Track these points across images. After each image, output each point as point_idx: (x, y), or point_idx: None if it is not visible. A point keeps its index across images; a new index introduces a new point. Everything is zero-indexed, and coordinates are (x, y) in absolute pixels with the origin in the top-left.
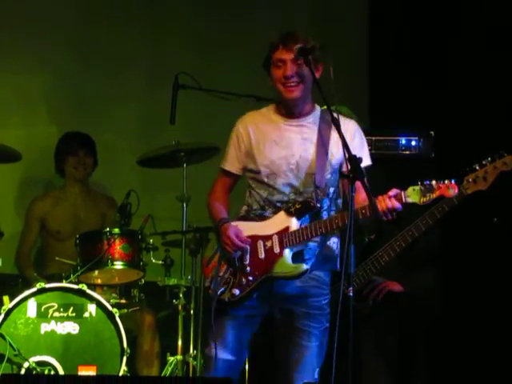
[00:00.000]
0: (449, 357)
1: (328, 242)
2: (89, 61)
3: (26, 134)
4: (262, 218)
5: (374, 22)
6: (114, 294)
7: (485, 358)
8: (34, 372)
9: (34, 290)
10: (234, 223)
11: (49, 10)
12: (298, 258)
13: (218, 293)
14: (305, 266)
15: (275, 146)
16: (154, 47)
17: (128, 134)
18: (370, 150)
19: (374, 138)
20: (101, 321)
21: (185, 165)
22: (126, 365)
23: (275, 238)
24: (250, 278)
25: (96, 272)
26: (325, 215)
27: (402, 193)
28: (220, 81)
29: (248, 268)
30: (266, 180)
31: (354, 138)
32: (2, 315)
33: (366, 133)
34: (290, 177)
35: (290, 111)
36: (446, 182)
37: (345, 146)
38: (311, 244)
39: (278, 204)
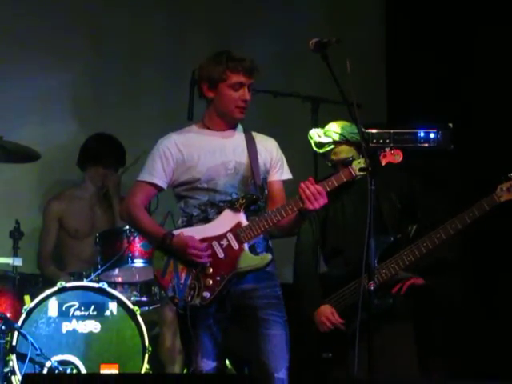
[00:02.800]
0: (465, 348)
1: (268, 243)
2: (108, 59)
3: (44, 133)
4: (206, 220)
5: (390, 13)
6: (134, 292)
7: (501, 350)
8: (57, 371)
9: (54, 289)
10: (177, 231)
11: (69, 10)
12: (253, 252)
13: (188, 299)
14: (270, 256)
15: (210, 155)
16: (174, 43)
17: (146, 131)
18: (388, 143)
19: (392, 131)
20: (122, 319)
21: None
22: (149, 362)
23: (230, 236)
24: (218, 278)
25: (116, 270)
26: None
27: (350, 168)
28: None
29: (211, 269)
30: (206, 186)
31: (276, 152)
32: (24, 315)
33: (384, 126)
34: (230, 179)
35: (224, 126)
36: (388, 149)
37: (364, 140)
38: (259, 242)
39: (221, 204)
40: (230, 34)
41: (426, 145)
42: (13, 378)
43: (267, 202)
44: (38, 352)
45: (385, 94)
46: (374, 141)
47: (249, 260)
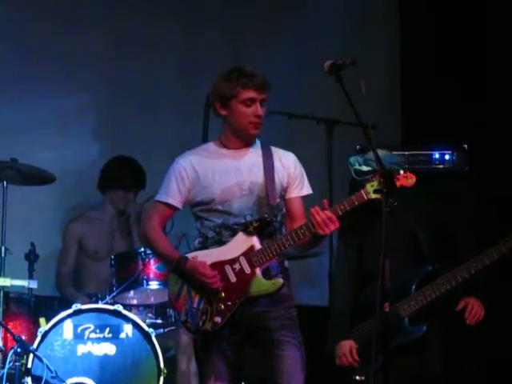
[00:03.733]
0: None
1: (284, 263)
2: (119, 83)
3: (60, 155)
4: (220, 243)
5: (405, 35)
6: (149, 314)
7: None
8: None
9: (70, 311)
10: (191, 254)
11: (89, 31)
12: (267, 275)
13: (200, 324)
14: (281, 280)
15: (225, 176)
16: (185, 65)
17: (162, 154)
18: (403, 164)
19: (407, 153)
20: (137, 341)
21: None
22: None
23: (242, 260)
24: (229, 303)
25: (131, 292)
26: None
27: (362, 191)
28: None
29: (222, 294)
30: (220, 207)
31: (295, 168)
32: (39, 337)
33: (399, 148)
34: (245, 200)
35: (241, 144)
36: (402, 172)
37: (377, 158)
38: (274, 264)
39: (235, 227)
40: (245, 55)
41: (441, 166)
42: None
43: (286, 219)
44: (54, 375)
45: (399, 115)
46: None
47: (260, 285)
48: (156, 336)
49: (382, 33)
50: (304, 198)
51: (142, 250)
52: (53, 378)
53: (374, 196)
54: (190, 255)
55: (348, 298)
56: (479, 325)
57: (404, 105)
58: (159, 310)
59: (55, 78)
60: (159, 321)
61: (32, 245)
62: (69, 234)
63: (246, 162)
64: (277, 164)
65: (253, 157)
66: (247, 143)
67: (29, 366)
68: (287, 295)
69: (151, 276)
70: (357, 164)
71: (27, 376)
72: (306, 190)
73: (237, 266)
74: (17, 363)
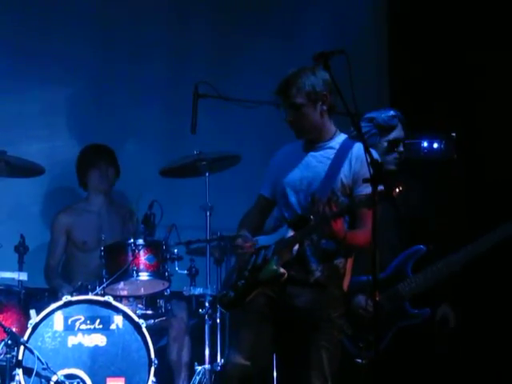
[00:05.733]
0: None
1: (335, 261)
2: (110, 75)
3: (49, 147)
4: (275, 232)
5: (393, 22)
6: (140, 305)
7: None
8: None
9: (60, 303)
10: (255, 238)
11: (74, 25)
12: (303, 268)
13: (221, 295)
14: (281, 270)
15: (294, 170)
16: (174, 57)
17: (150, 145)
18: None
19: None
20: (128, 332)
21: (207, 174)
22: (155, 375)
23: (272, 247)
24: (243, 282)
25: (122, 283)
26: None
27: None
28: (240, 89)
29: (246, 272)
30: (282, 200)
31: (361, 167)
32: (30, 329)
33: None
34: (299, 196)
35: (311, 142)
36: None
37: (366, 148)
38: (312, 258)
39: (287, 220)
40: (233, 46)
41: (430, 155)
42: None
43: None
44: (45, 366)
45: (388, 104)
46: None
47: (266, 272)
48: (146, 327)
49: (371, 21)
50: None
51: (132, 241)
52: (44, 369)
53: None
54: (255, 238)
55: None
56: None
57: (392, 93)
58: (149, 300)
59: (42, 71)
60: (149, 311)
61: (21, 237)
62: (57, 225)
63: (317, 158)
64: (346, 162)
65: (327, 154)
66: (316, 140)
67: (20, 357)
68: (330, 294)
69: (141, 267)
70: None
71: (18, 368)
72: (366, 189)
73: (267, 252)
74: (7, 355)
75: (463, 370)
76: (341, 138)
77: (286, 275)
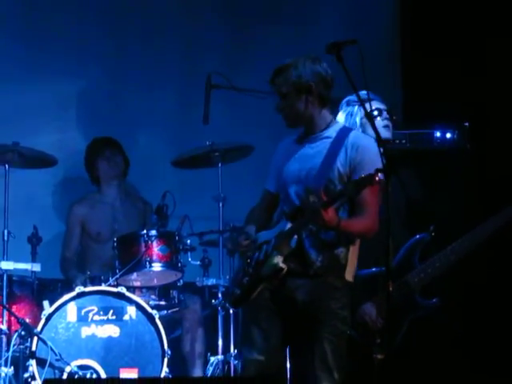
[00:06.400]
0: None
1: (335, 251)
2: (120, 66)
3: (61, 138)
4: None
5: (405, 12)
6: (153, 296)
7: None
8: (76, 376)
9: (73, 294)
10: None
11: (80, 21)
12: (302, 261)
13: (228, 292)
14: (280, 264)
15: (293, 162)
16: (186, 48)
17: (162, 136)
18: (404, 143)
19: (408, 132)
20: (141, 323)
21: (220, 164)
22: (168, 366)
23: (272, 241)
24: (247, 279)
25: (135, 274)
26: None
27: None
28: (253, 79)
29: (250, 269)
30: (283, 193)
31: (356, 154)
32: (43, 320)
33: (400, 126)
34: (298, 188)
35: (305, 133)
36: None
37: (378, 137)
38: (311, 249)
39: (287, 213)
40: (247, 35)
41: (443, 145)
42: (33, 383)
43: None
44: (58, 357)
45: (400, 94)
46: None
47: (267, 265)
48: (160, 317)
49: (383, 10)
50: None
51: (145, 232)
52: (57, 360)
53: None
54: (257, 234)
55: None
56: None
57: (405, 83)
58: (162, 291)
59: (56, 63)
60: (163, 302)
61: (34, 228)
62: (72, 217)
63: (314, 148)
64: (342, 150)
65: (323, 143)
66: (311, 131)
67: (33, 348)
68: (331, 285)
69: (154, 258)
70: None
71: (32, 359)
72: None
73: (267, 247)
74: (21, 346)
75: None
76: (337, 126)
77: (286, 269)
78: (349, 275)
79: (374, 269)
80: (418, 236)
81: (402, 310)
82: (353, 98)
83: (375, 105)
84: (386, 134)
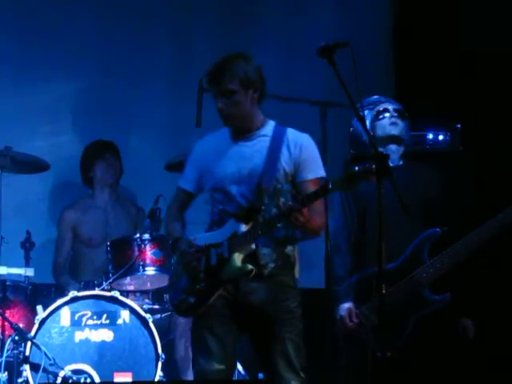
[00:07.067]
0: None
1: (286, 250)
2: (113, 69)
3: (54, 143)
4: (219, 227)
5: (398, 12)
6: (146, 300)
7: None
8: (70, 381)
9: (66, 298)
10: (191, 237)
11: (72, 22)
12: (250, 262)
13: (177, 302)
14: (249, 266)
15: (229, 162)
16: (177, 51)
17: (155, 140)
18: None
19: None
20: (135, 327)
21: None
22: (162, 370)
23: (225, 244)
24: (202, 285)
25: (128, 278)
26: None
27: (328, 183)
28: None
29: (201, 274)
30: (221, 193)
31: (301, 151)
32: (37, 325)
33: None
34: (242, 188)
35: (242, 131)
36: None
37: (370, 140)
38: (264, 249)
39: (232, 213)
40: (236, 41)
41: (435, 147)
42: None
43: None
44: (52, 362)
45: (393, 96)
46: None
47: (230, 270)
48: (153, 321)
49: (375, 12)
50: (315, 181)
51: (138, 236)
52: (51, 365)
53: (334, 189)
54: (190, 237)
55: (347, 265)
56: None
57: (397, 85)
58: (156, 295)
59: (48, 65)
60: (156, 306)
61: (27, 233)
62: (63, 222)
63: (251, 147)
64: (284, 148)
65: (261, 142)
66: (247, 129)
67: (27, 353)
68: (286, 284)
69: (147, 262)
70: None
71: (25, 364)
72: (314, 173)
73: (219, 250)
74: (15, 351)
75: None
76: (271, 125)
77: (255, 270)
78: (297, 273)
79: (389, 265)
80: (428, 230)
81: (408, 307)
82: (363, 102)
83: (384, 105)
84: (392, 130)
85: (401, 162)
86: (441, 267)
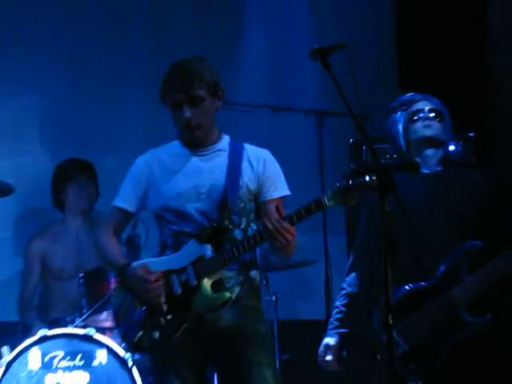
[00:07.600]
0: None
1: (250, 273)
2: (81, 83)
3: (16, 163)
4: (175, 250)
5: (401, 12)
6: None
7: None
8: None
9: (35, 338)
10: (140, 262)
11: (39, 34)
12: (218, 288)
13: (136, 339)
14: (228, 294)
15: (183, 178)
16: (153, 61)
17: (130, 160)
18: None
19: None
20: (113, 368)
21: None
22: None
23: (190, 269)
24: (169, 317)
25: (104, 314)
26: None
27: (322, 198)
28: (232, 92)
29: (165, 307)
30: (176, 213)
31: (264, 168)
32: (3, 368)
33: None
34: (203, 205)
35: (198, 145)
36: (367, 178)
37: (372, 152)
38: (229, 272)
39: (191, 233)
40: (224, 46)
41: (446, 158)
42: None
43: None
44: None
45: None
46: (388, 156)
47: (204, 299)
48: (133, 361)
49: (376, 16)
50: (280, 200)
51: None
52: None
53: (330, 204)
54: (138, 263)
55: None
56: None
57: (400, 88)
58: None
59: (10, 79)
60: None
61: None
62: (30, 252)
63: (208, 162)
64: (245, 164)
65: (218, 157)
66: (205, 143)
67: None
68: (254, 308)
69: None
70: None
71: None
72: (280, 191)
73: (183, 277)
74: None
75: None
76: (226, 139)
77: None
78: (260, 297)
79: (422, 283)
80: (467, 243)
81: (443, 330)
82: (394, 103)
83: (418, 105)
84: (427, 132)
85: (439, 168)
86: (481, 285)
